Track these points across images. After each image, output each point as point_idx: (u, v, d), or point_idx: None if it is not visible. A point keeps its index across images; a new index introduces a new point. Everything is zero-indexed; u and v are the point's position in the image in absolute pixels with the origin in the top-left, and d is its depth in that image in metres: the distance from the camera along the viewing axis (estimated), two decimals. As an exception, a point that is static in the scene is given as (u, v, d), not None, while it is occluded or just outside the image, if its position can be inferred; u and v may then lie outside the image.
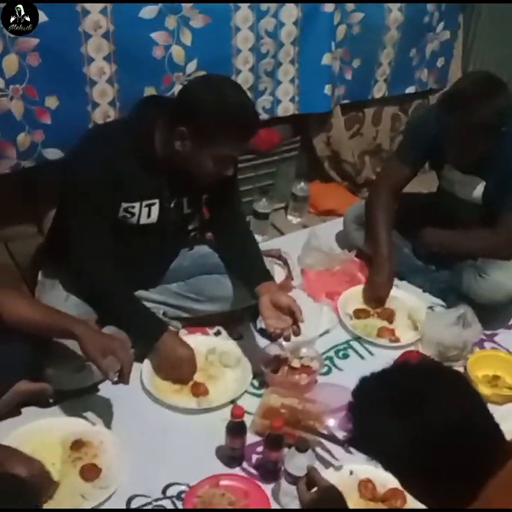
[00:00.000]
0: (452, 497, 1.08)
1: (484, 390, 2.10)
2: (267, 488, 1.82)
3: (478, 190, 2.38)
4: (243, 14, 2.48)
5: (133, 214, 2.01)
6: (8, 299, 1.85)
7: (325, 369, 2.23)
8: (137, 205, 2.00)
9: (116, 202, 1.97)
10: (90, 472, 1.79)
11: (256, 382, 2.14)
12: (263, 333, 2.29)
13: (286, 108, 2.80)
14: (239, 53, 2.54)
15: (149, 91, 2.37)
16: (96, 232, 1.98)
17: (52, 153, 2.30)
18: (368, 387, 1.17)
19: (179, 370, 2.08)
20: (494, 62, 3.17)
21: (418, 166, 2.54)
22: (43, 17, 2.07)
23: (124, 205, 1.98)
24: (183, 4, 2.33)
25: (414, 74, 3.15)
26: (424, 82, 3.21)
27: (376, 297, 2.45)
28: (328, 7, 2.66)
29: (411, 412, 1.07)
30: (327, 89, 2.81)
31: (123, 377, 1.84)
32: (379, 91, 3.08)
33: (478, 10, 3.19)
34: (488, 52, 3.22)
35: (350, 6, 2.75)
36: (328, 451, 1.93)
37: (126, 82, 2.32)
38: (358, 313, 2.45)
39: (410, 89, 3.18)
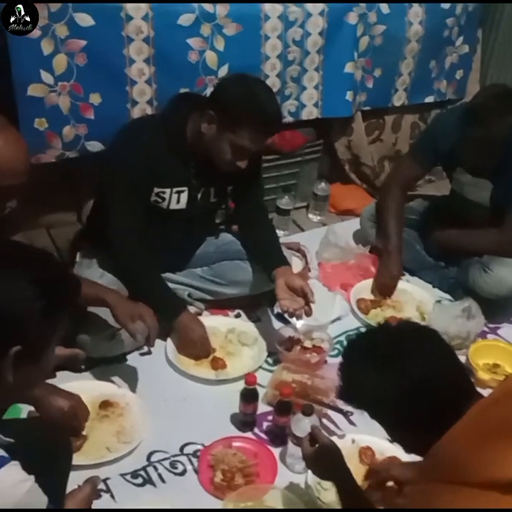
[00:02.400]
0: (429, 442, 1.22)
1: (483, 375, 2.25)
2: (276, 452, 2.00)
3: (487, 192, 2.53)
4: (272, 24, 2.68)
5: (164, 199, 2.21)
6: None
7: (335, 351, 2.38)
8: (168, 191, 2.20)
9: (150, 186, 2.17)
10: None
11: (270, 360, 2.32)
12: (279, 317, 2.47)
13: (310, 112, 2.98)
14: (267, 60, 2.74)
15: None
16: (132, 213, 2.16)
17: (94, 146, 2.51)
18: (355, 346, 1.34)
19: (193, 348, 2.26)
20: (510, 76, 3.32)
21: (428, 165, 2.71)
22: (89, 21, 2.30)
23: (156, 189, 2.18)
24: (217, 13, 2.53)
25: (433, 84, 3.30)
26: (442, 92, 3.36)
27: (385, 285, 2.60)
28: (352, 19, 2.85)
29: (391, 365, 1.23)
30: (349, 95, 2.99)
31: (149, 341, 2.04)
32: (399, 99, 3.24)
33: (496, 26, 3.34)
34: (505, 66, 3.37)
35: (372, 19, 2.93)
36: (333, 422, 2.10)
37: (163, 83, 2.52)
38: (370, 303, 2.62)
39: (429, 99, 3.33)
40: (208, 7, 2.51)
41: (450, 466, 1.15)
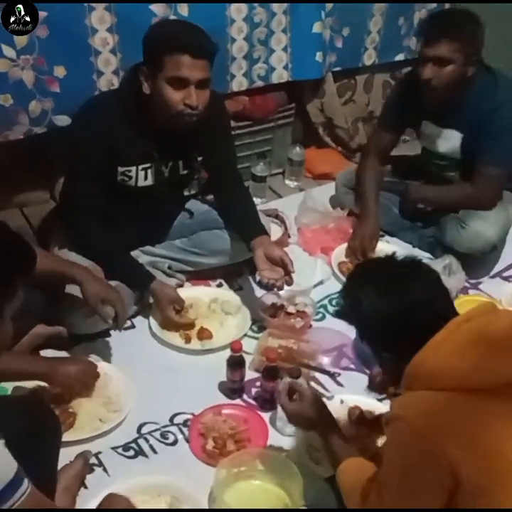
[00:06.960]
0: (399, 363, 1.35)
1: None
2: (265, 416, 2.00)
3: (456, 142, 2.52)
4: (236, -15, 2.63)
5: (130, 177, 2.17)
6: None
7: (319, 315, 2.40)
8: (133, 168, 2.16)
9: (113, 166, 2.14)
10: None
11: (255, 327, 2.32)
12: (261, 285, 2.45)
13: (280, 75, 2.94)
14: (233, 23, 2.69)
15: (150, 59, 2.51)
16: (89, 190, 2.13)
17: (62, 120, 2.44)
18: (360, 272, 1.50)
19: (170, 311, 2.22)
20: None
21: (399, 130, 2.73)
22: (49, -8, 2.22)
23: (121, 169, 2.15)
24: (180, -22, 2.47)
25: (402, 42, 3.27)
26: (412, 49, 3.30)
27: (361, 249, 2.57)
28: (317, -22, 2.81)
29: (389, 291, 1.38)
30: (318, 56, 2.95)
31: (118, 325, 2.04)
32: (369, 58, 3.21)
33: (464, -21, 3.31)
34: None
35: (338, -23, 2.89)
36: (321, 385, 2.11)
37: (128, 52, 2.44)
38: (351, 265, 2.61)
39: (400, 57, 3.30)
40: (169, -28, 2.45)
41: (431, 374, 1.29)
